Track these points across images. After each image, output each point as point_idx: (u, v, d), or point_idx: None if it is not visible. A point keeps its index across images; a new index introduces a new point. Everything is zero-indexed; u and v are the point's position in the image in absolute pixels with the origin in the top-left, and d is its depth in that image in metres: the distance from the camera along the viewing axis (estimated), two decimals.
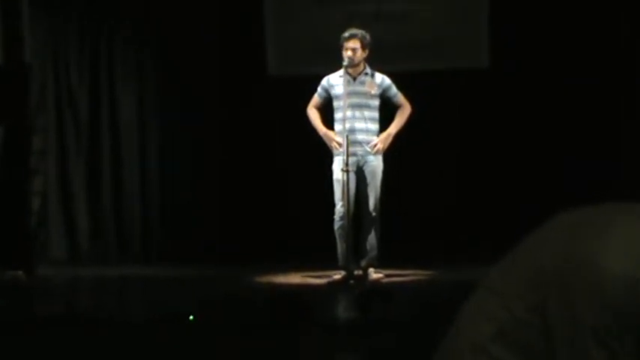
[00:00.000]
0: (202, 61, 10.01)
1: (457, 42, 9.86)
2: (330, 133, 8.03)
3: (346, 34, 7.96)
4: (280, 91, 9.63)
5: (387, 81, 8.08)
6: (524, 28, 9.62)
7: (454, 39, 9.85)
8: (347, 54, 7.89)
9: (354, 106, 7.92)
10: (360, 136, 7.93)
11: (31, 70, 9.63)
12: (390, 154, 8.14)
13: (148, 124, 10.27)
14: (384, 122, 8.12)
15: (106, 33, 10.20)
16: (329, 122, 8.12)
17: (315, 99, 8.17)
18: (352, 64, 7.92)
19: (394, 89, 8.09)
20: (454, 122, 9.75)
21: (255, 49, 9.96)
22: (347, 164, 7.73)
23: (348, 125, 7.82)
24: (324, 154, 8.13)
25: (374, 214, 7.97)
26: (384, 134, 8.05)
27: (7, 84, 9.15)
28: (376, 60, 8.18)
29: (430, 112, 9.48)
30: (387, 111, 8.16)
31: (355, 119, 7.92)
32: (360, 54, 7.94)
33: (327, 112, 8.17)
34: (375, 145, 7.99)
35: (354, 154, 7.88)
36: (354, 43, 7.91)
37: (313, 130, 8.14)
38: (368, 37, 7.99)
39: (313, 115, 8.17)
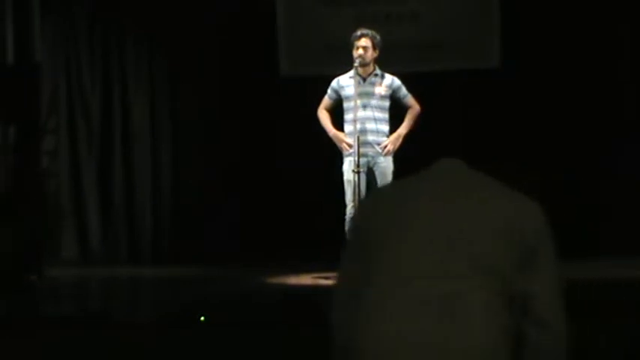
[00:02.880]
0: (214, 62, 10.00)
1: (468, 42, 9.84)
2: (339, 134, 8.01)
3: (357, 33, 7.94)
4: (292, 92, 9.62)
5: (397, 82, 8.05)
6: (536, 28, 9.60)
7: (465, 39, 9.83)
8: (358, 53, 7.87)
9: (365, 107, 7.90)
10: (370, 137, 7.90)
11: (43, 70, 9.64)
12: (400, 155, 8.12)
13: (160, 124, 10.27)
14: (393, 123, 8.10)
15: (118, 32, 10.21)
16: (339, 123, 8.10)
17: (326, 100, 8.15)
18: (363, 64, 7.89)
19: (404, 90, 8.07)
20: (466, 123, 9.72)
21: (267, 51, 9.95)
22: (358, 165, 7.71)
23: (358, 126, 7.79)
24: (336, 155, 8.10)
25: None
26: (394, 135, 8.02)
27: (19, 84, 9.15)
28: (387, 61, 8.16)
29: (441, 112, 9.47)
30: (394, 112, 8.13)
31: (366, 120, 7.90)
32: (371, 53, 7.91)
33: (337, 113, 8.15)
34: (386, 147, 7.97)
35: (365, 155, 7.85)
36: (365, 42, 7.89)
37: (324, 131, 8.12)
38: (378, 37, 7.97)
39: (323, 116, 8.15)
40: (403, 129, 8.05)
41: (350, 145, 7.86)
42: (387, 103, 8.01)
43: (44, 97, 9.84)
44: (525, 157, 9.65)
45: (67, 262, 9.87)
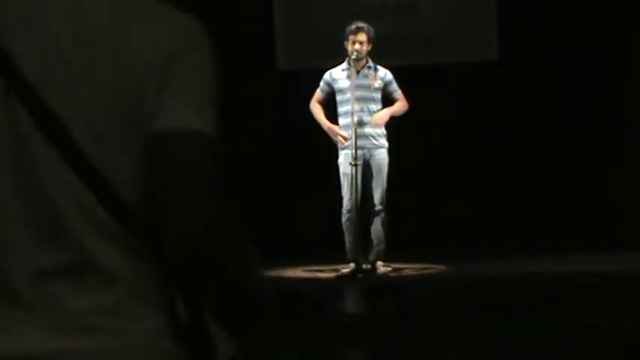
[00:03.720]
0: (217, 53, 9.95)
1: (465, 35, 9.82)
2: (334, 127, 7.97)
3: (352, 27, 7.90)
4: (289, 85, 9.59)
5: (390, 76, 8.02)
6: (534, 20, 9.57)
7: (463, 32, 9.82)
8: (355, 47, 7.82)
9: (360, 100, 7.84)
10: (367, 129, 7.86)
11: None
12: (400, 147, 8.10)
13: None
14: None
15: None
16: (331, 117, 8.05)
17: (318, 94, 8.11)
18: (359, 57, 7.84)
19: (395, 85, 8.03)
20: (464, 115, 9.69)
21: (264, 44, 9.92)
22: (355, 158, 7.68)
23: (356, 118, 7.75)
24: (334, 147, 8.06)
25: (381, 207, 7.91)
26: (383, 110, 7.95)
27: None
28: (384, 53, 8.12)
29: (439, 105, 9.45)
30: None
31: (363, 112, 7.86)
32: (367, 47, 7.87)
33: (329, 106, 8.11)
34: (376, 123, 7.88)
35: (362, 148, 7.80)
36: (362, 36, 7.85)
37: (319, 125, 8.07)
38: (372, 30, 7.93)
39: (316, 110, 8.10)
40: (393, 109, 7.97)
41: (345, 138, 7.83)
42: (379, 95, 7.99)
43: None
44: (527, 149, 9.65)
45: None
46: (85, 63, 1.42)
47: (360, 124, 7.80)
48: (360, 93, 7.84)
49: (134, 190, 1.44)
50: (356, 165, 7.69)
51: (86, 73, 1.42)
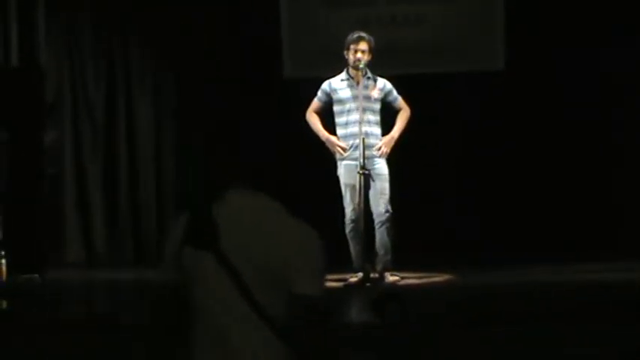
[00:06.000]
0: (218, 62, 9.99)
1: (472, 44, 9.84)
2: (332, 138, 7.95)
3: (354, 36, 7.88)
4: (295, 93, 9.63)
5: (389, 85, 8.00)
6: (540, 30, 9.60)
7: (469, 42, 9.84)
8: (356, 56, 7.81)
9: (363, 110, 7.80)
10: (372, 140, 7.86)
11: (46, 71, 9.65)
12: (406, 157, 8.11)
13: (165, 126, 10.27)
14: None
15: (121, 35, 10.20)
16: (328, 127, 8.04)
17: (315, 103, 8.09)
18: (361, 67, 7.81)
19: (395, 93, 8.02)
20: (471, 125, 9.71)
21: (270, 53, 9.95)
22: (363, 167, 7.66)
23: (363, 129, 7.72)
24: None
25: (385, 216, 7.89)
26: (388, 138, 7.96)
27: (22, 86, 9.17)
28: (391, 63, 8.14)
29: (446, 115, 9.48)
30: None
31: (366, 123, 7.83)
32: (368, 56, 7.86)
33: (325, 116, 8.09)
34: (380, 149, 7.91)
35: (366, 157, 7.76)
36: (364, 45, 7.83)
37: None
38: (373, 39, 7.92)
39: (313, 119, 8.07)
40: (396, 132, 8.00)
41: (344, 149, 7.83)
42: (379, 106, 7.96)
43: (48, 98, 9.84)
44: (529, 157, 9.67)
45: (72, 264, 9.87)
46: (254, 257, 2.69)
47: (366, 134, 7.77)
48: (362, 104, 7.81)
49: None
50: (363, 174, 7.67)
51: (254, 261, 2.68)
